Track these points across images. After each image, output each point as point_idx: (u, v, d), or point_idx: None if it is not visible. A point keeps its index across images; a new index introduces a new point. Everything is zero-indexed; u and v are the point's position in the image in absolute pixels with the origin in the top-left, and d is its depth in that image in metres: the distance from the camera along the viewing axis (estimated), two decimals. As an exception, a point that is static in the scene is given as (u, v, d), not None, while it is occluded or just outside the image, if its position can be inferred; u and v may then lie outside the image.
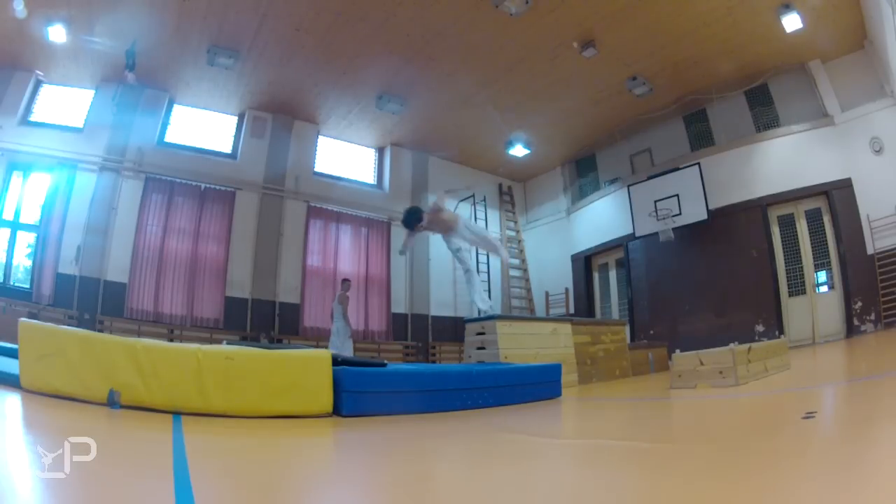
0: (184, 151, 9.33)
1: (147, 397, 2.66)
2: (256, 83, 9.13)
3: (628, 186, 10.44)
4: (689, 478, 1.53)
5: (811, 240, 8.49)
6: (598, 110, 10.29)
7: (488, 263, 11.88)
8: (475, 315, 5.71)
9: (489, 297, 11.53)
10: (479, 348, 5.43)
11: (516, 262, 12.98)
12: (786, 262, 8.68)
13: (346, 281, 8.48)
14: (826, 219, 8.33)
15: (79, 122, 8.50)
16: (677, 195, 9.56)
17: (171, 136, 9.37)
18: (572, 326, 6.20)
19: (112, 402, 2.58)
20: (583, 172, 12.36)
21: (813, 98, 8.57)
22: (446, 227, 5.05)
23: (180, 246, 8.94)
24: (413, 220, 4.85)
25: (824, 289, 8.40)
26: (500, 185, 13.22)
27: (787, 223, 8.75)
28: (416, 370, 4.01)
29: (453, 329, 11.03)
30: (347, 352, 7.63)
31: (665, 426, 3.06)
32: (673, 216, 9.54)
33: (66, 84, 8.52)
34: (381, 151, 11.67)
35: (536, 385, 4.21)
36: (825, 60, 8.40)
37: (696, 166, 9.41)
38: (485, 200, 12.31)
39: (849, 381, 4.07)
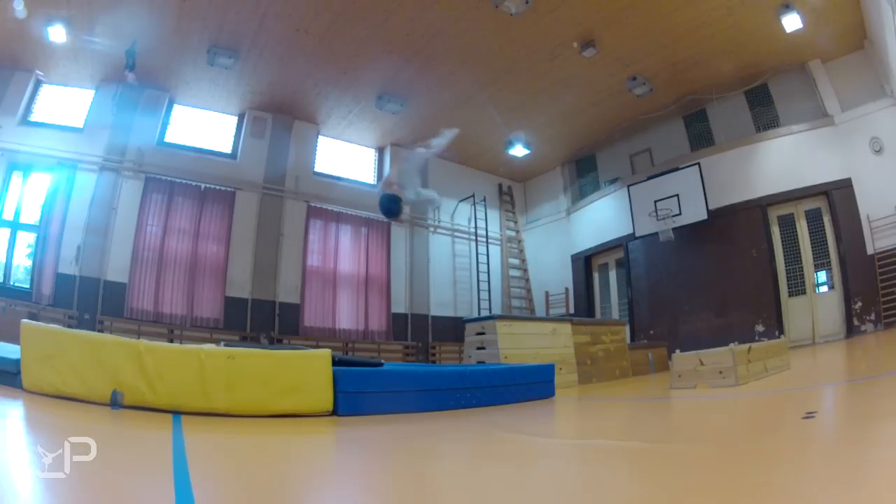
0: (184, 151, 9.32)
1: (151, 398, 2.66)
2: (256, 83, 9.12)
3: (628, 186, 10.44)
4: (687, 477, 1.53)
5: (811, 240, 8.48)
6: (598, 110, 10.28)
7: (488, 264, 11.88)
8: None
9: (488, 297, 11.59)
10: (479, 348, 5.43)
11: (516, 262, 12.98)
12: (786, 262, 8.67)
13: None
14: (826, 219, 8.33)
15: (79, 122, 8.48)
16: (677, 195, 9.55)
17: (171, 136, 9.35)
18: (572, 326, 6.21)
19: (114, 402, 2.58)
20: (583, 172, 12.35)
21: (813, 98, 8.56)
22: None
23: (180, 246, 8.92)
24: (397, 209, 4.75)
25: (824, 289, 8.39)
26: (500, 185, 13.22)
27: (787, 223, 8.75)
28: (411, 370, 4.04)
29: (453, 329, 11.01)
30: None
31: (664, 426, 3.06)
32: (673, 216, 9.54)
33: (66, 84, 8.50)
34: (381, 151, 11.67)
35: (530, 385, 4.25)
36: (825, 60, 8.39)
37: (696, 166, 9.40)
38: (485, 200, 12.31)
39: (849, 381, 4.07)
